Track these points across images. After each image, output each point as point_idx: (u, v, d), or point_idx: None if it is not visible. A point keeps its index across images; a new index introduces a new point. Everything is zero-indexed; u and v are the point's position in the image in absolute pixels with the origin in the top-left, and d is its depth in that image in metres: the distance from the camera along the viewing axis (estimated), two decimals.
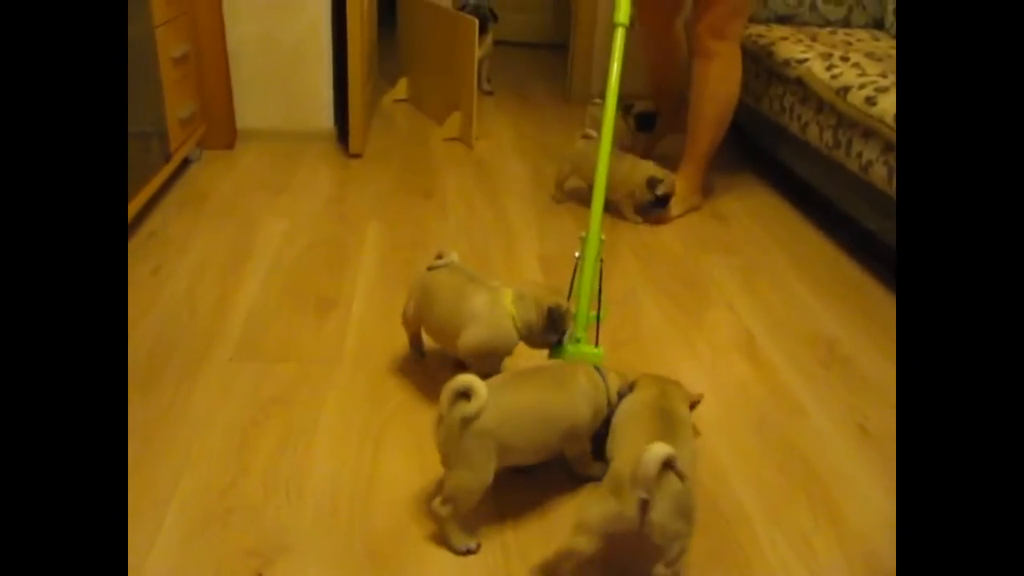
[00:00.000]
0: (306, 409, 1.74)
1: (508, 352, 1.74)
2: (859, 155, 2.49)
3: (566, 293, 1.83)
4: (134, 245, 2.41)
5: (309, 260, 2.39)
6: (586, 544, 1.27)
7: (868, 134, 2.45)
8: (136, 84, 2.38)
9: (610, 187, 2.12)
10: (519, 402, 1.42)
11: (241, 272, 2.29)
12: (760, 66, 3.17)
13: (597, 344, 1.81)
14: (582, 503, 1.47)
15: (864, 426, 1.81)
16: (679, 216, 2.85)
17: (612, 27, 2.01)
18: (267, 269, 2.32)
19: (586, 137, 2.80)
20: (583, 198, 2.96)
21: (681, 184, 2.85)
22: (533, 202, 2.93)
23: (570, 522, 1.31)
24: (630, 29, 2.04)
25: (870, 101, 2.41)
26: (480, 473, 1.37)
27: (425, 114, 3.84)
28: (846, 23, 3.46)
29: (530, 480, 1.57)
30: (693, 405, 1.55)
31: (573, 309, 1.77)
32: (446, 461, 1.38)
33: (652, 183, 2.71)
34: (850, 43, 3.08)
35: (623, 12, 2.00)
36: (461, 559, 1.39)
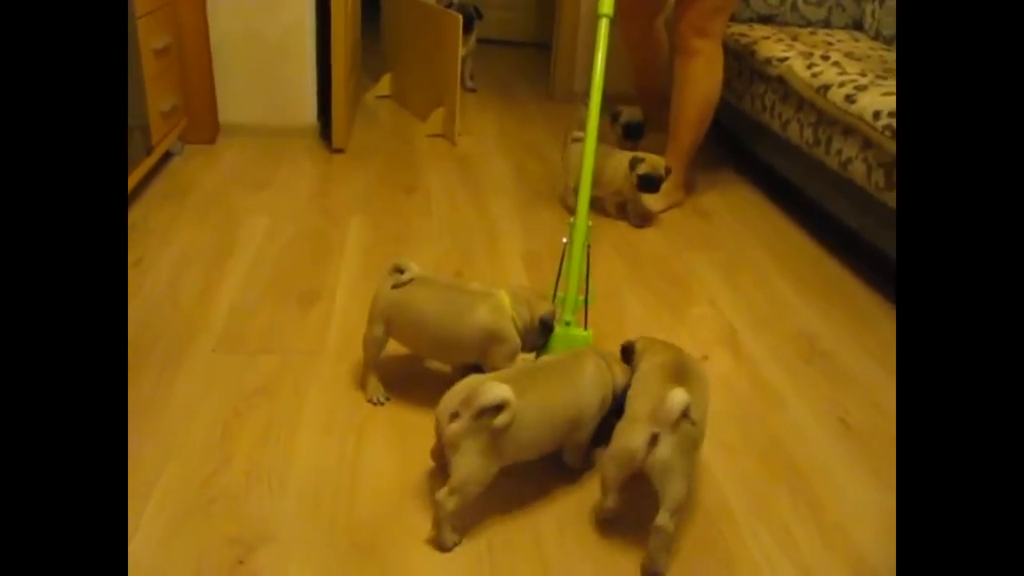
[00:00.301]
0: (289, 400, 1.74)
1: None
2: (839, 152, 2.51)
3: (551, 294, 1.89)
4: None
5: (292, 254, 2.38)
6: (605, 496, 1.42)
7: (848, 131, 2.47)
8: None
9: (597, 184, 2.14)
10: (529, 401, 1.41)
11: (224, 265, 2.28)
12: (742, 65, 3.20)
13: (586, 327, 1.85)
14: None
15: (845, 420, 1.82)
16: (662, 212, 2.87)
17: (595, 24, 2.03)
18: (250, 262, 2.30)
19: (576, 140, 2.72)
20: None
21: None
22: (516, 198, 2.93)
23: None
24: (613, 23, 2.05)
25: (849, 99, 2.43)
26: (491, 467, 1.38)
27: (408, 110, 3.84)
28: (826, 24, 3.49)
29: (510, 473, 1.57)
30: None
31: (561, 294, 1.82)
32: (457, 452, 1.37)
33: (633, 163, 2.66)
34: (830, 43, 3.11)
35: (607, 3, 2.01)
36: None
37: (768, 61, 2.96)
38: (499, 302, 1.68)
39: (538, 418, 1.43)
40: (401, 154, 3.29)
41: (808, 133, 2.70)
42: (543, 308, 1.72)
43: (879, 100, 2.33)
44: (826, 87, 2.57)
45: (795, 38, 3.14)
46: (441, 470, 1.54)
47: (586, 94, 2.08)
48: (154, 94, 2.69)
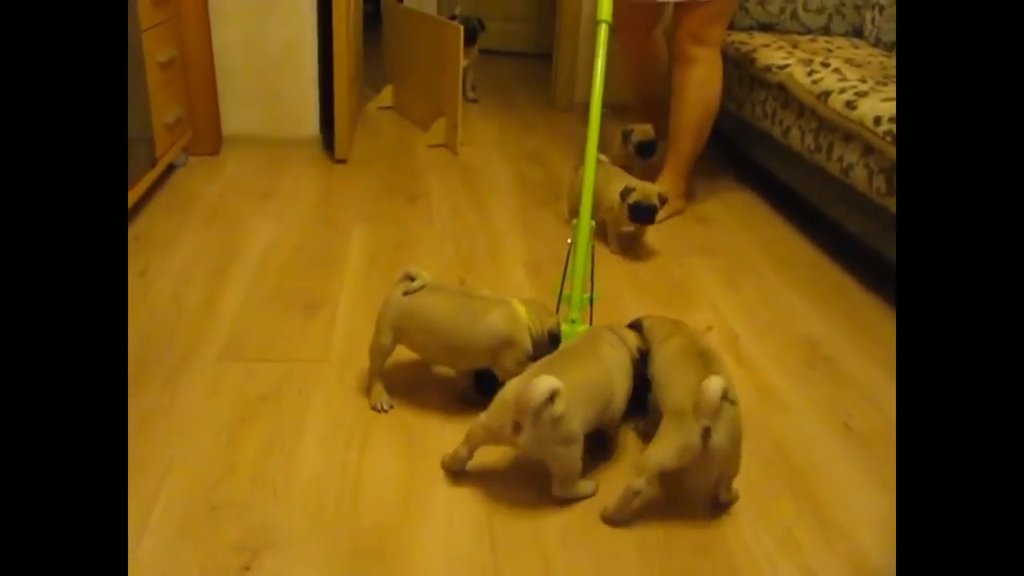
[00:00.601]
0: (293, 408, 1.75)
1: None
2: (840, 158, 2.52)
3: (556, 293, 1.95)
4: None
5: (295, 263, 2.39)
6: (648, 484, 1.45)
7: (848, 138, 2.48)
8: None
9: (598, 207, 2.18)
10: (571, 381, 1.47)
11: (228, 274, 2.29)
12: (742, 72, 3.21)
13: (591, 324, 1.90)
14: (645, 450, 1.51)
15: (848, 424, 1.83)
16: (663, 220, 2.87)
17: (595, 34, 2.05)
18: (254, 271, 2.32)
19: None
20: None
21: (664, 189, 2.88)
22: (518, 207, 2.94)
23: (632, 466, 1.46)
24: (613, 30, 2.07)
25: (850, 105, 2.44)
26: (578, 442, 1.48)
27: (410, 121, 3.86)
28: (826, 31, 3.51)
29: (514, 478, 1.58)
30: None
31: (567, 292, 1.92)
32: (541, 458, 1.49)
33: (624, 192, 2.50)
34: (830, 50, 3.12)
35: (605, 9, 2.03)
36: (448, 554, 1.40)
37: (768, 68, 2.97)
38: (514, 310, 1.72)
39: (585, 395, 1.51)
40: (403, 164, 3.31)
41: (809, 139, 2.71)
42: (552, 321, 1.76)
43: (879, 106, 2.34)
44: (827, 93, 2.58)
45: (795, 45, 3.16)
46: (454, 476, 1.56)
47: (586, 106, 2.10)
48: (158, 107, 2.71)
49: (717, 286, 2.44)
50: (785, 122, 2.87)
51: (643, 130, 3.04)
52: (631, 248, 2.65)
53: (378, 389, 1.77)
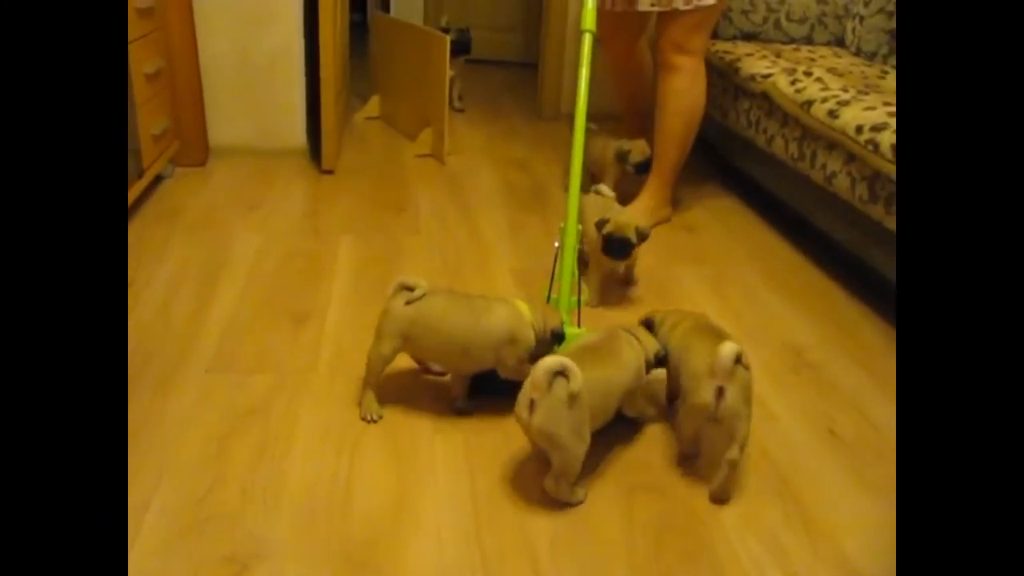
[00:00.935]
0: (282, 419, 1.75)
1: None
2: (823, 166, 2.55)
3: (544, 297, 1.99)
4: None
5: (283, 273, 2.40)
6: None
7: (831, 146, 2.51)
8: None
9: (584, 238, 2.23)
10: (591, 375, 1.53)
11: (216, 285, 2.29)
12: (727, 81, 3.24)
13: (579, 326, 1.95)
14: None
15: (833, 430, 1.84)
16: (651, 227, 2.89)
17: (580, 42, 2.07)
18: (242, 282, 2.32)
19: (597, 192, 2.50)
20: (559, 210, 3.00)
21: (650, 198, 2.90)
22: (505, 216, 2.96)
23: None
24: (597, 41, 2.10)
25: (832, 114, 2.47)
26: (585, 440, 1.52)
27: (397, 131, 3.87)
28: (808, 40, 3.54)
29: (504, 487, 1.59)
30: None
31: (555, 295, 1.97)
32: (548, 442, 1.49)
33: (599, 223, 2.24)
34: (813, 59, 3.16)
35: (589, 19, 2.06)
36: (438, 563, 1.41)
37: (752, 77, 3.00)
38: (518, 308, 1.76)
39: (603, 390, 1.58)
40: (390, 174, 3.32)
41: (793, 148, 2.74)
42: (554, 319, 1.79)
43: (861, 115, 2.37)
44: (809, 103, 2.61)
45: (778, 55, 3.19)
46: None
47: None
48: (145, 118, 2.71)
49: (703, 293, 2.46)
50: (769, 131, 2.90)
51: (640, 149, 3.00)
52: (614, 292, 2.43)
53: (370, 398, 1.78)
